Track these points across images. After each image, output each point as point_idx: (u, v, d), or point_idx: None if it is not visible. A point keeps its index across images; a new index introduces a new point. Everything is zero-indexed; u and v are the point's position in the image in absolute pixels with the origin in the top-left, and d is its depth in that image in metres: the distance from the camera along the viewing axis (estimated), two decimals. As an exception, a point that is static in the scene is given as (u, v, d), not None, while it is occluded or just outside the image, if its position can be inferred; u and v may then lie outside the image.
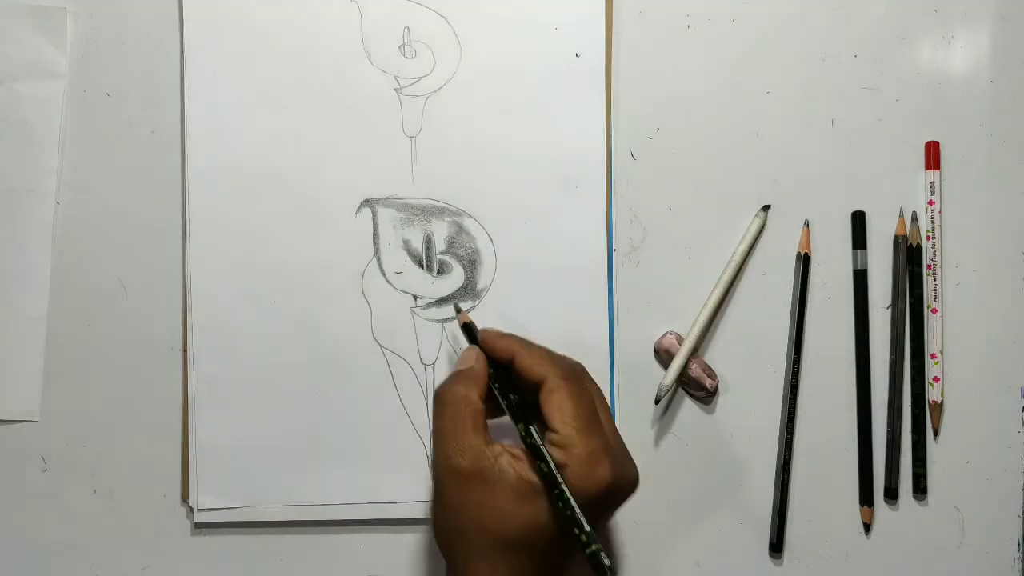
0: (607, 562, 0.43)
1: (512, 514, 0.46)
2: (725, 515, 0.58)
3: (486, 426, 0.48)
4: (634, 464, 0.49)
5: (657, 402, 0.56)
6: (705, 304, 0.57)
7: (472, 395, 0.48)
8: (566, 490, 0.45)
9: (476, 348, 0.51)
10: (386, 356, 0.57)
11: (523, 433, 0.47)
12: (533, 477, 0.46)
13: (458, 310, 0.55)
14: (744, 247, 0.57)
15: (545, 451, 0.46)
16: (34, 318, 0.56)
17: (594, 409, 0.47)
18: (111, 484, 0.57)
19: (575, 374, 0.49)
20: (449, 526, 0.47)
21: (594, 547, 0.44)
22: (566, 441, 0.46)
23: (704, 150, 0.58)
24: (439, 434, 0.48)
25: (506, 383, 0.49)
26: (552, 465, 0.45)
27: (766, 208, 0.57)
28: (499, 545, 0.46)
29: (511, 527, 0.46)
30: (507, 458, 0.46)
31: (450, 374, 0.50)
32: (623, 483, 0.47)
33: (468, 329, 0.53)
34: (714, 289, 0.57)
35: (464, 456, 0.46)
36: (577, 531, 0.44)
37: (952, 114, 0.58)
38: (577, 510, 0.44)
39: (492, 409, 0.49)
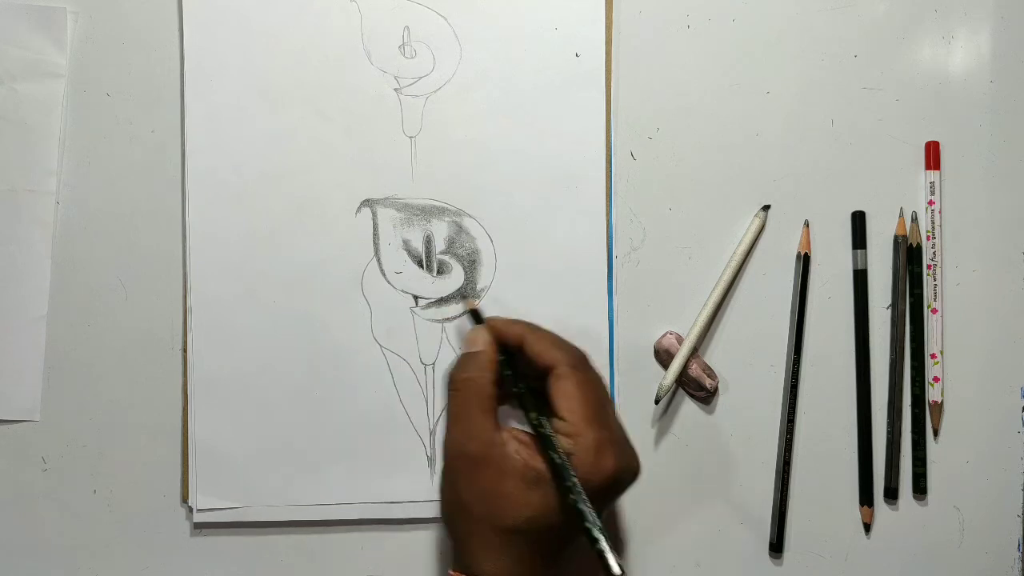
0: (616, 570, 0.43)
1: (519, 501, 0.46)
2: (725, 515, 0.58)
3: (496, 411, 0.48)
4: (635, 454, 0.50)
5: (657, 402, 0.56)
6: (705, 304, 0.57)
7: (483, 380, 0.48)
8: (577, 483, 0.45)
9: (484, 331, 0.50)
10: (386, 356, 0.57)
11: (535, 423, 0.47)
12: (540, 464, 0.46)
13: (463, 296, 0.56)
14: (744, 247, 0.57)
15: (556, 442, 0.46)
16: (34, 318, 0.56)
17: (601, 398, 0.48)
18: (111, 484, 0.57)
19: (583, 362, 0.49)
20: (457, 509, 0.48)
21: (600, 545, 0.44)
22: (574, 430, 0.46)
23: (704, 150, 0.58)
24: (451, 417, 0.48)
25: (516, 370, 0.50)
26: (564, 458, 0.46)
27: (766, 208, 0.57)
28: (505, 531, 0.46)
29: (518, 514, 0.46)
30: (515, 444, 0.47)
31: (460, 356, 0.50)
32: (626, 473, 0.48)
33: (475, 315, 0.53)
34: (714, 289, 0.57)
35: (474, 441, 0.47)
36: (588, 526, 0.44)
37: (952, 114, 0.58)
38: (588, 505, 0.45)
39: (501, 394, 0.49)
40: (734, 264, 0.57)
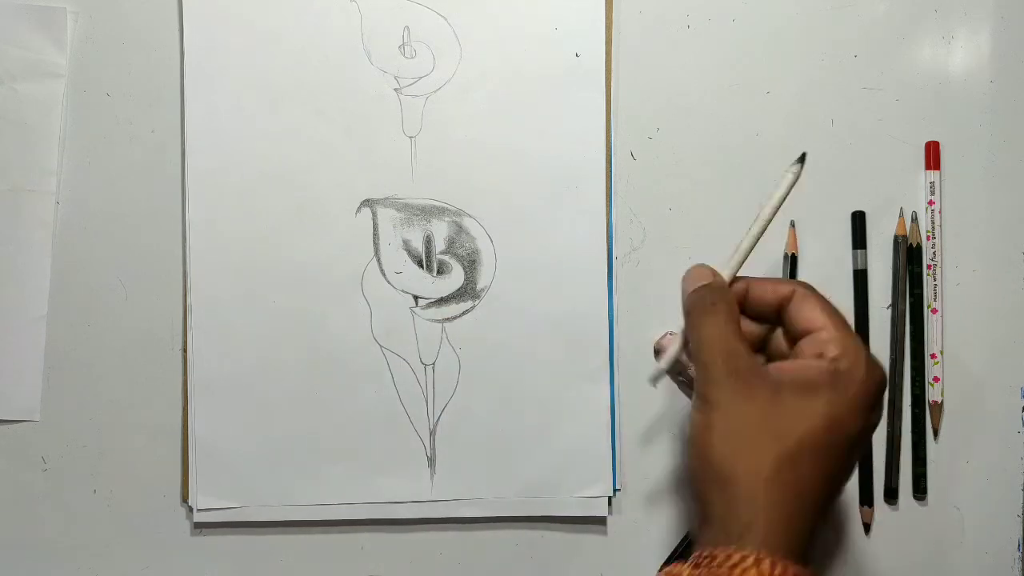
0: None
1: (804, 412, 0.40)
2: (725, 515, 0.58)
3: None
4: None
5: (652, 383, 0.51)
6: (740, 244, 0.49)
7: (733, 303, 0.45)
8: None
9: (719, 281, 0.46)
10: (386, 356, 0.57)
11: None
12: (811, 368, 0.42)
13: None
14: (777, 200, 0.49)
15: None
16: (34, 318, 0.56)
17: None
18: (111, 484, 0.57)
19: (810, 287, 0.46)
20: (730, 444, 0.41)
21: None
22: (838, 332, 0.42)
23: (704, 150, 0.58)
24: (713, 335, 0.43)
25: None
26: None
27: (802, 159, 0.49)
28: (797, 452, 0.40)
29: (808, 426, 0.40)
30: (775, 363, 0.43)
31: (700, 286, 0.46)
32: (883, 385, 0.43)
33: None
34: (749, 229, 0.49)
35: (741, 359, 0.42)
36: None
37: (952, 114, 0.58)
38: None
39: None
40: (765, 215, 0.49)
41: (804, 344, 0.44)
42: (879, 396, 0.43)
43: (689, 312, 0.45)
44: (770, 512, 0.39)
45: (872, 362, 0.43)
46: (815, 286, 0.46)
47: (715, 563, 0.38)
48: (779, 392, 0.41)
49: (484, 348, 0.57)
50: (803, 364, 0.42)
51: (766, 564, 0.38)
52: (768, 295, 0.46)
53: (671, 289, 0.57)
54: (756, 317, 0.47)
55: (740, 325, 0.44)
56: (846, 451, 0.41)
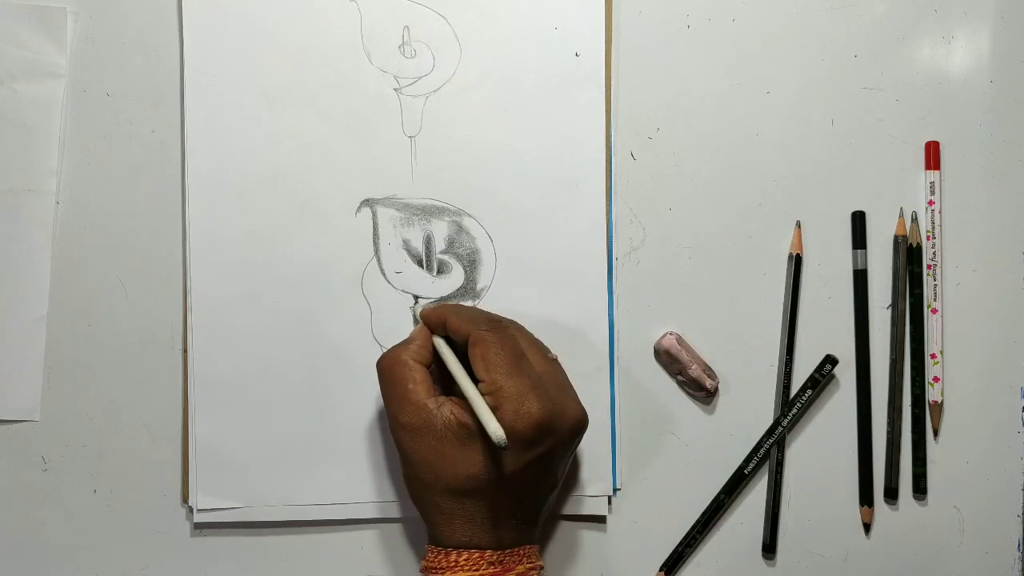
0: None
1: (456, 460, 0.48)
2: (725, 515, 0.58)
3: (429, 383, 0.50)
4: (576, 401, 0.51)
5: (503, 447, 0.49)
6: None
7: (404, 356, 0.50)
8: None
9: (420, 323, 0.53)
10: (386, 356, 0.57)
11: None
12: (471, 421, 0.48)
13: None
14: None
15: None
16: (34, 318, 0.56)
17: (518, 353, 0.49)
18: (111, 484, 0.57)
19: (497, 325, 0.50)
20: (411, 480, 0.50)
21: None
22: (493, 387, 0.48)
23: (704, 150, 0.58)
24: (384, 398, 0.51)
25: (455, 350, 0.51)
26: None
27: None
28: (453, 494, 0.48)
29: (458, 473, 0.48)
30: (449, 407, 0.49)
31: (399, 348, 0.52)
32: (558, 418, 0.49)
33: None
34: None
35: (406, 412, 0.49)
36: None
37: (952, 114, 0.58)
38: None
39: (443, 377, 0.52)
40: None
41: (478, 388, 0.49)
42: (538, 435, 0.48)
43: (380, 368, 0.51)
44: (449, 526, 0.49)
45: (526, 406, 0.47)
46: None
47: (429, 556, 0.50)
48: (442, 443, 0.48)
49: (484, 348, 0.57)
50: (463, 418, 0.48)
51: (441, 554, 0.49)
52: (456, 334, 0.51)
53: (671, 289, 0.58)
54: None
55: (421, 374, 0.50)
56: (511, 484, 0.48)
